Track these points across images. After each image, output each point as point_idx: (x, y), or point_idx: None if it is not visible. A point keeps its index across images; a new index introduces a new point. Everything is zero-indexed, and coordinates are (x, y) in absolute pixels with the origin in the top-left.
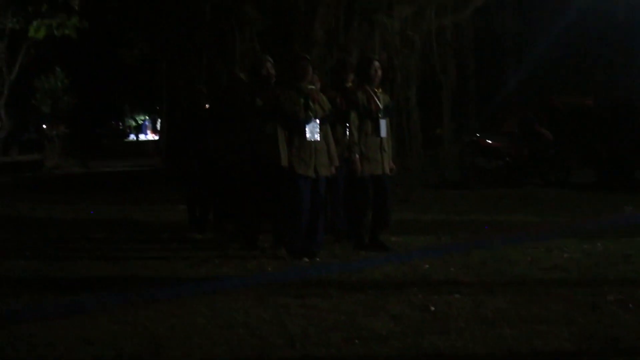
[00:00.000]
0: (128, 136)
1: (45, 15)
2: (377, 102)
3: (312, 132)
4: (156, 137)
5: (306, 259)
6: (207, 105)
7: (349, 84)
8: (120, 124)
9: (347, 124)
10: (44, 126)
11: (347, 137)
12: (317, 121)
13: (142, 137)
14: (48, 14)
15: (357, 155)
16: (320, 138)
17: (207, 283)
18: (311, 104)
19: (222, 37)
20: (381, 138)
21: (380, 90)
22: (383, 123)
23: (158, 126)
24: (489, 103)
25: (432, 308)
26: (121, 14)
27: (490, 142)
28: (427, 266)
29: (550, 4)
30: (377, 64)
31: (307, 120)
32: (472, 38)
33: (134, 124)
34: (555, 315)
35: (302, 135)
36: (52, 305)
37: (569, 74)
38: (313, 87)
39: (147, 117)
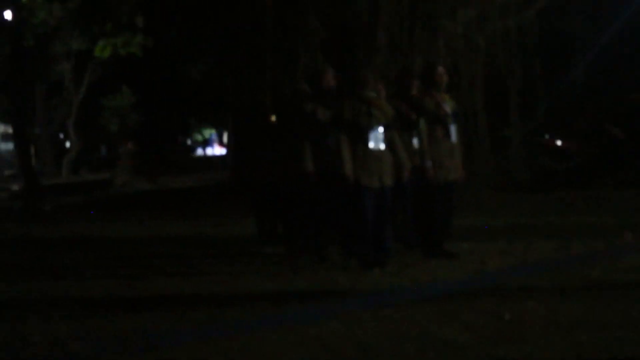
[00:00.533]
0: (195, 151)
1: (110, 35)
2: (445, 107)
3: (376, 140)
4: (223, 151)
5: (377, 269)
6: (273, 118)
7: (414, 92)
8: (188, 139)
9: (415, 132)
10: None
11: (415, 145)
12: (381, 128)
13: (209, 151)
14: (113, 33)
15: (429, 163)
16: (384, 146)
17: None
18: (374, 111)
19: (286, 48)
20: (452, 143)
21: (447, 95)
22: (453, 128)
23: (225, 139)
24: (557, 103)
25: (507, 316)
26: (184, 30)
27: (559, 143)
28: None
29: (617, 1)
30: (441, 69)
31: (371, 128)
32: (537, 38)
33: (201, 138)
34: (635, 320)
35: (366, 144)
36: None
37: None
38: (374, 94)
39: (213, 131)
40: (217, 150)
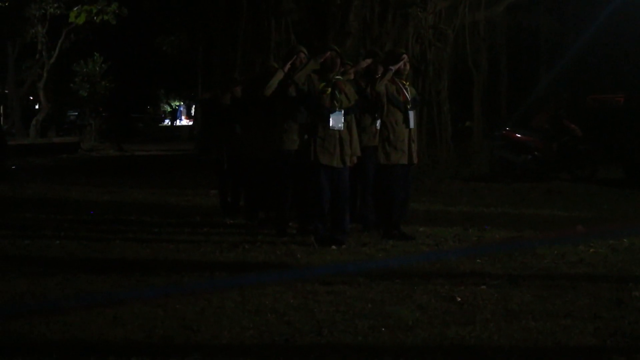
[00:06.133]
0: (163, 121)
1: (85, 2)
2: (406, 93)
3: (337, 121)
4: (190, 123)
5: (334, 247)
6: (238, 92)
7: (378, 76)
8: (162, 109)
9: (376, 114)
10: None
11: (375, 127)
12: (342, 111)
13: (176, 122)
14: (88, 0)
15: (386, 145)
16: (344, 128)
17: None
18: (337, 94)
19: (259, 26)
20: (409, 129)
21: (407, 83)
22: (411, 114)
23: (192, 112)
24: (520, 97)
25: (458, 299)
26: (159, 2)
27: (519, 136)
28: (453, 257)
29: (584, 0)
30: (405, 57)
31: (332, 110)
32: (504, 33)
33: (168, 109)
34: (580, 310)
35: (327, 125)
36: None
37: (601, 70)
38: (340, 77)
39: (181, 103)
40: (184, 121)
